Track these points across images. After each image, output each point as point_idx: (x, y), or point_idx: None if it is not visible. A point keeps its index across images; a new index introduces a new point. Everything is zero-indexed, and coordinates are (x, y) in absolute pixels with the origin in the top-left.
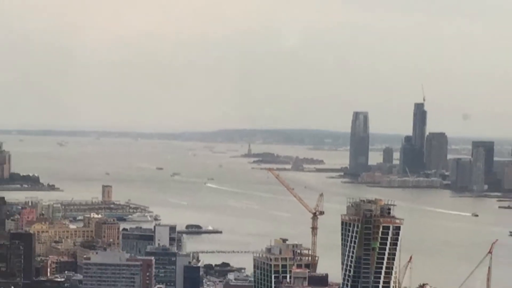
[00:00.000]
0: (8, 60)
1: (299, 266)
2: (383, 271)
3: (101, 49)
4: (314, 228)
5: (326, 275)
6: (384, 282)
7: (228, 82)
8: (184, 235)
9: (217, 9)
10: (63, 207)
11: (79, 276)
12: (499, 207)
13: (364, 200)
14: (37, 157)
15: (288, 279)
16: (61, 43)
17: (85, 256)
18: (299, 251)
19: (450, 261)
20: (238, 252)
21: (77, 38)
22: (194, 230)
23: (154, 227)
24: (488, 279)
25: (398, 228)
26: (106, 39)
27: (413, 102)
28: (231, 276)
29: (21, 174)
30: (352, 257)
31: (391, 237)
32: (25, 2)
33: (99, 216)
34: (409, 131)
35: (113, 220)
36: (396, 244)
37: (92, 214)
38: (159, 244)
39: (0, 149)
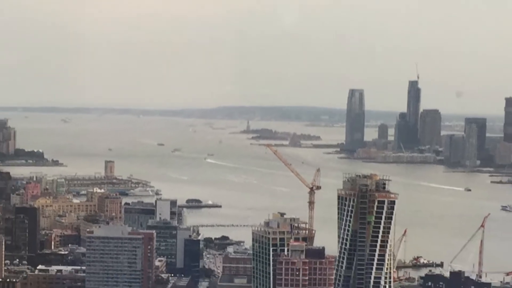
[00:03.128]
0: (14, 40)
1: (296, 239)
2: (378, 244)
3: (104, 30)
4: (311, 203)
5: (323, 248)
6: (379, 255)
7: (227, 60)
8: (184, 209)
9: None
10: (66, 182)
11: (83, 249)
12: (491, 182)
13: (360, 175)
14: (42, 134)
15: (285, 252)
16: (65, 24)
17: (88, 229)
18: (296, 225)
19: (443, 235)
20: (237, 225)
21: (81, 19)
22: (194, 204)
23: (156, 201)
24: (481, 252)
25: (393, 202)
26: (109, 19)
27: (408, 80)
28: (230, 249)
29: (26, 150)
30: (348, 230)
31: (386, 211)
32: None
33: (102, 190)
34: (403, 108)
35: (116, 194)
36: (391, 218)
37: (95, 188)
38: (160, 218)
39: (6, 125)
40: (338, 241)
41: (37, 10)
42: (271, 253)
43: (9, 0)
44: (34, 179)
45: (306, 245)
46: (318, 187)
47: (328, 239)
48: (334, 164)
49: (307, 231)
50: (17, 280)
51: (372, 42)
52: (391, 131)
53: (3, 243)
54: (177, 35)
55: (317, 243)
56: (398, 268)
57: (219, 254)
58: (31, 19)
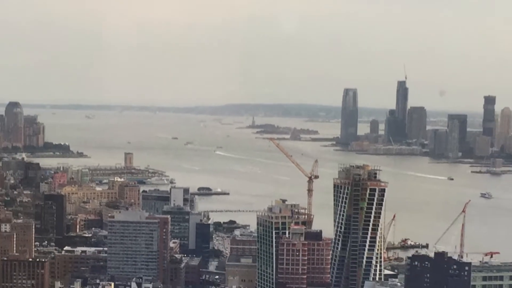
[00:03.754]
0: (42, 43)
1: (296, 223)
2: (370, 227)
3: (124, 35)
4: (309, 190)
5: (320, 231)
6: (371, 237)
7: (233, 63)
8: (196, 196)
9: None
10: (90, 171)
11: (104, 232)
12: (472, 171)
13: (353, 166)
14: (68, 128)
15: (287, 235)
16: (88, 28)
17: (109, 214)
18: (296, 210)
19: (428, 219)
20: (243, 211)
21: (102, 24)
22: (205, 192)
23: (170, 189)
24: (462, 235)
25: (383, 190)
26: (128, 26)
27: (396, 80)
28: (237, 232)
29: (54, 143)
30: (343, 215)
31: (377, 198)
32: None
33: (122, 179)
34: (392, 105)
35: (134, 183)
36: (381, 204)
37: (115, 178)
38: (174, 204)
39: (35, 121)
40: (334, 225)
41: (65, 18)
42: (273, 235)
43: (41, 9)
44: (61, 169)
45: (305, 228)
46: (316, 177)
47: (325, 223)
48: (330, 155)
49: (306, 216)
50: (46, 260)
51: (364, 46)
52: (382, 126)
53: (33, 226)
54: (188, 40)
55: (315, 226)
56: (388, 249)
57: (227, 237)
58: (59, 26)
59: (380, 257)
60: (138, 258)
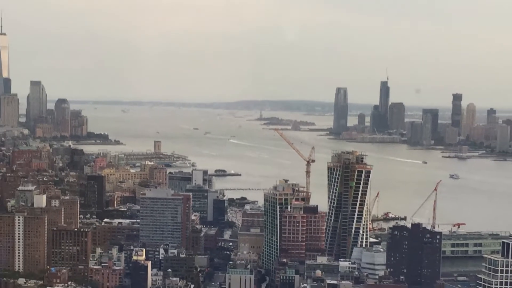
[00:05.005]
0: (87, 51)
1: (297, 199)
2: (358, 203)
3: (153, 42)
4: (307, 172)
5: (316, 206)
6: (358, 211)
7: (244, 66)
8: (213, 177)
9: (236, 11)
10: (125, 156)
11: (137, 207)
12: (442, 156)
13: (344, 152)
14: (107, 121)
15: (289, 209)
16: (124, 38)
17: (141, 192)
18: (297, 188)
19: (406, 196)
20: (252, 189)
21: (135, 34)
22: (221, 173)
23: (192, 171)
24: (434, 209)
25: (369, 172)
26: (156, 34)
27: (380, 81)
28: (247, 206)
29: (95, 133)
30: (335, 193)
31: (363, 178)
32: (94, 6)
33: (152, 163)
34: (376, 102)
35: (162, 166)
36: (367, 184)
37: (146, 161)
38: (195, 183)
39: (80, 114)
40: (328, 201)
41: (106, 30)
42: (278, 209)
43: (87, 24)
44: (101, 154)
45: (304, 203)
46: (313, 161)
47: (320, 199)
48: (324, 143)
49: (304, 193)
50: (89, 230)
51: (354, 52)
52: (368, 119)
53: (78, 202)
54: (206, 46)
55: (312, 202)
56: (373, 221)
57: (239, 210)
58: (101, 37)
59: (366, 228)
60: (165, 228)
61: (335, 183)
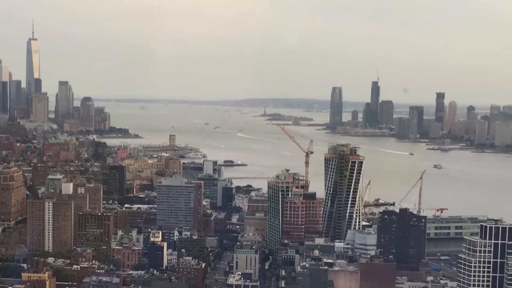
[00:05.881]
0: (110, 54)
1: (297, 187)
2: (351, 190)
3: (169, 46)
4: (306, 163)
5: (314, 193)
6: (352, 197)
7: (250, 67)
8: (222, 167)
9: (242, 20)
10: (144, 148)
11: (154, 194)
12: (427, 149)
13: (339, 144)
14: (127, 117)
15: (290, 196)
16: (143, 43)
17: (158, 180)
18: (297, 177)
19: (395, 184)
20: (257, 178)
21: (153, 39)
22: (229, 163)
23: (203, 161)
24: (420, 195)
25: (361, 162)
26: (171, 39)
27: (371, 81)
28: (253, 193)
29: (117, 127)
30: (331, 181)
31: (356, 168)
32: (116, 15)
33: (167, 154)
34: (368, 99)
35: (176, 157)
36: (360, 173)
37: (162, 153)
38: (206, 173)
39: (103, 111)
40: (325, 188)
41: (127, 35)
42: (280, 196)
43: (110, 30)
44: (122, 147)
45: (303, 191)
46: (311, 152)
47: (318, 187)
48: (322, 137)
49: (304, 182)
50: (111, 214)
51: (348, 55)
52: (360, 115)
53: (102, 189)
54: (217, 50)
55: (311, 189)
56: (365, 206)
57: (246, 197)
58: (123, 41)
59: (359, 212)
60: (179, 212)
61: (331, 172)
